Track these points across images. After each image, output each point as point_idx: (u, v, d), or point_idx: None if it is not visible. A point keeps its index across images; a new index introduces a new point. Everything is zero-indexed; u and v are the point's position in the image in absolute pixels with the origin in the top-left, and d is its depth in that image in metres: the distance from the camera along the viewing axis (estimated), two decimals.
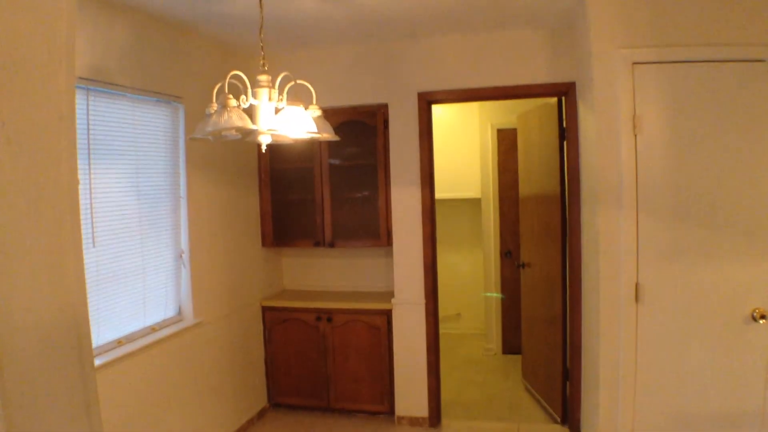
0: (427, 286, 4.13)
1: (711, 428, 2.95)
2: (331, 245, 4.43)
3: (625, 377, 2.99)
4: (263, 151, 2.39)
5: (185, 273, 3.60)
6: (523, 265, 4.82)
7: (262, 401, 4.45)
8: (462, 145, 6.01)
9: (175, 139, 3.57)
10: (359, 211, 4.49)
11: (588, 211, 3.51)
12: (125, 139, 3.19)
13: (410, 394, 4.21)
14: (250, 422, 4.24)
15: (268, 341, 4.46)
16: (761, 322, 2.79)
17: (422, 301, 4.13)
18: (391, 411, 4.27)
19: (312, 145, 4.36)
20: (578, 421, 3.94)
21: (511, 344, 5.77)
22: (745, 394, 2.90)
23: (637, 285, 2.93)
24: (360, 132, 4.35)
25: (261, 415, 4.39)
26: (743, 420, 2.92)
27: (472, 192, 5.94)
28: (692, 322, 2.90)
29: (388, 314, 4.20)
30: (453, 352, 5.93)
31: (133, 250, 3.24)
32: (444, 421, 4.26)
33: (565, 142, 3.99)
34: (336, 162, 4.41)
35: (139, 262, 3.28)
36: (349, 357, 4.30)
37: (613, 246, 2.97)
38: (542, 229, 4.44)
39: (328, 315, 4.30)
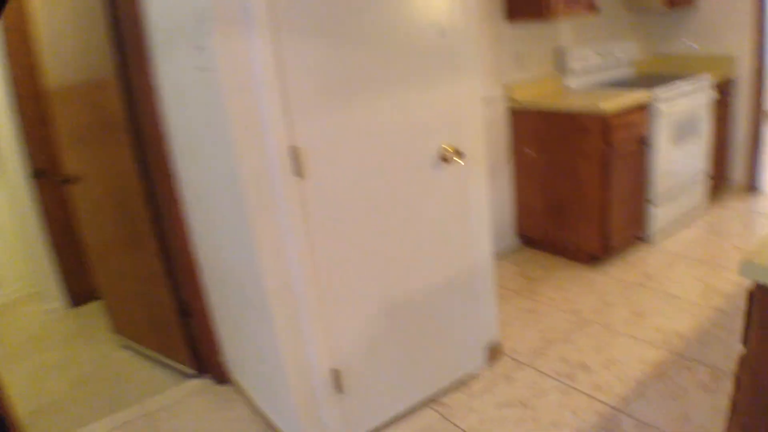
0: None
1: (427, 304, 2.30)
2: None
3: (306, 282, 1.98)
4: None
5: None
6: (69, 180, 3.20)
7: None
8: None
9: None
10: None
11: (174, 55, 2.19)
12: None
13: None
14: None
15: None
16: (456, 161, 2.12)
17: None
18: None
19: None
20: (220, 364, 2.86)
21: (82, 291, 4.15)
22: (456, 256, 2.32)
23: (294, 149, 1.85)
24: None
25: None
26: (455, 287, 2.35)
27: None
28: (377, 185, 2.05)
29: None
30: (1, 334, 3.96)
31: None
32: None
33: None
34: None
35: None
36: None
37: (245, 93, 1.77)
38: (95, 124, 2.87)
39: None
